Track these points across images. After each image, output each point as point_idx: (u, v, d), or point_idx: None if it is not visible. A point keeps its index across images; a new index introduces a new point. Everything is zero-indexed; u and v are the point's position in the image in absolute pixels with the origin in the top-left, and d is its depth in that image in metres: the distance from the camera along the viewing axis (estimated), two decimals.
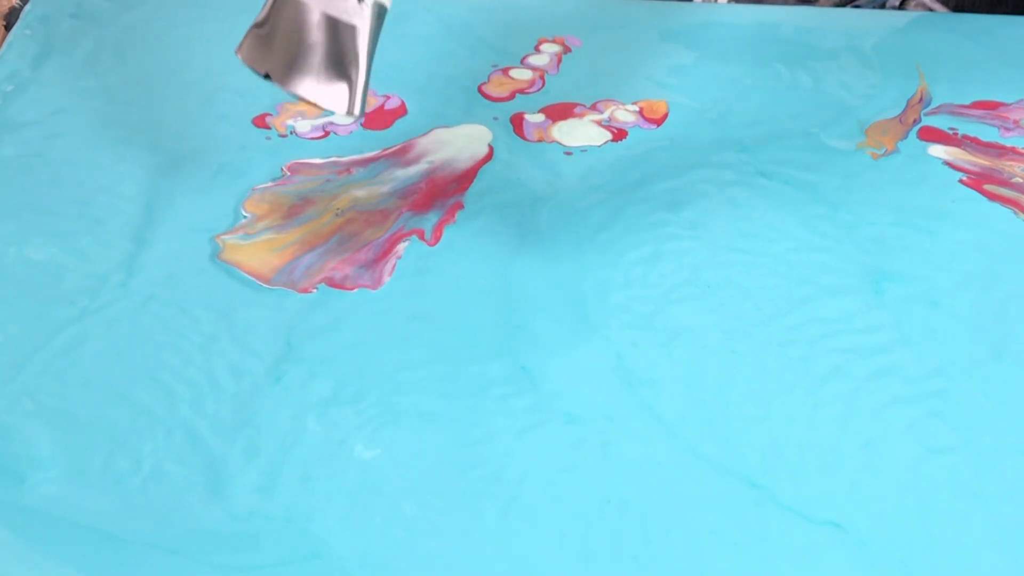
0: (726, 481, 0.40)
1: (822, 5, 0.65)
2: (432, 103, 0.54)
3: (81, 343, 0.44)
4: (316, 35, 0.41)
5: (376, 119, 0.54)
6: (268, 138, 0.53)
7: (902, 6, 0.65)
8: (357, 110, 0.42)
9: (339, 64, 0.41)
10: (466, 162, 0.52)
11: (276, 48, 0.42)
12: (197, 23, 0.59)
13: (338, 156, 0.52)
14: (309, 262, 0.47)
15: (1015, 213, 0.49)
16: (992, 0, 0.64)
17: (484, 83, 0.56)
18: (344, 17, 0.40)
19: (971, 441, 0.41)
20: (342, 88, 0.41)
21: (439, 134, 0.53)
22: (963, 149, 0.52)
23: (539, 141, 0.53)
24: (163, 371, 0.43)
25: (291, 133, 0.53)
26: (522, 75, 0.56)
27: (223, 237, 0.48)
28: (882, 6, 0.66)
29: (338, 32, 0.41)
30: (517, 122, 0.53)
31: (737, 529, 0.39)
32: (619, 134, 0.53)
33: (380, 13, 0.41)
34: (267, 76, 0.42)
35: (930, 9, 0.64)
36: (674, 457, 0.41)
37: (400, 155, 0.52)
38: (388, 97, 0.55)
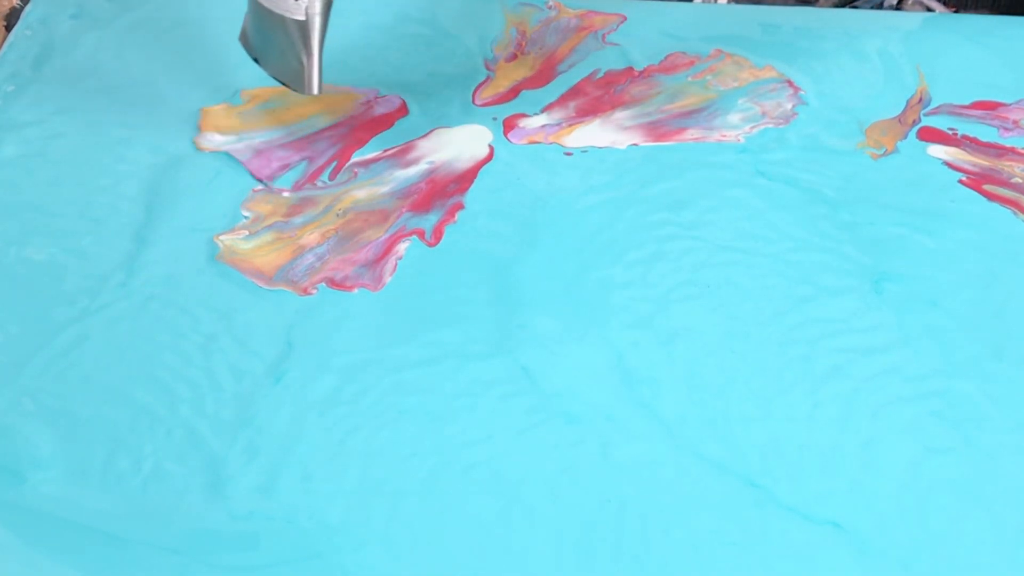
0: (726, 481, 0.40)
1: (822, 5, 0.65)
2: (432, 103, 0.54)
3: (81, 343, 0.44)
4: (276, 29, 0.45)
5: (377, 120, 0.54)
6: None
7: (899, 6, 0.65)
8: (315, 90, 0.46)
9: (296, 52, 0.46)
10: (466, 162, 0.52)
11: (254, 37, 0.48)
12: (197, 23, 0.59)
13: None
14: (309, 262, 0.47)
15: (1015, 213, 0.49)
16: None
17: (482, 84, 0.55)
18: (289, 15, 0.44)
19: (971, 441, 0.41)
20: (300, 72, 0.46)
21: (439, 134, 0.53)
22: (963, 149, 0.52)
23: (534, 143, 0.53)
24: (163, 371, 0.43)
25: None
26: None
27: (223, 237, 0.48)
28: (880, 6, 0.66)
29: (287, 26, 0.45)
30: (510, 126, 0.53)
31: (737, 529, 0.39)
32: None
33: (326, 4, 0.45)
34: (256, 60, 0.48)
35: (929, 9, 0.64)
36: (674, 457, 0.41)
37: (400, 155, 0.52)
38: (389, 98, 0.55)
